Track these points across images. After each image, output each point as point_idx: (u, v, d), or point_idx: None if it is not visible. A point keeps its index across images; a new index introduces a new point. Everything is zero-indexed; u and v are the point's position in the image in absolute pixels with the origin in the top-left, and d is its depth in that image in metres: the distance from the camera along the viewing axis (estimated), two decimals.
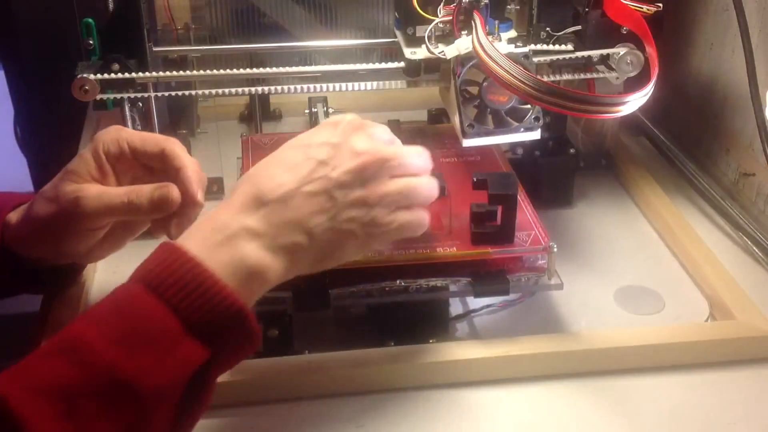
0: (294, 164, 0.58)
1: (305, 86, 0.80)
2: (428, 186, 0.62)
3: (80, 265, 0.74)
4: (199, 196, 0.64)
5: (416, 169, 0.61)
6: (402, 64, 0.76)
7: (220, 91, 0.77)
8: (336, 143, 0.59)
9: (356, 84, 0.78)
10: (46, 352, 0.50)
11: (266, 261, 0.55)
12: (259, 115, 1.02)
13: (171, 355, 0.50)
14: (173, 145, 0.66)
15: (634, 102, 0.64)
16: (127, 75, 0.75)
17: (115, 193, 0.64)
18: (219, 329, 0.52)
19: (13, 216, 0.68)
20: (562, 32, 0.78)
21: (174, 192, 0.64)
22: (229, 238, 0.54)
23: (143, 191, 0.64)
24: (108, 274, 0.78)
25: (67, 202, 0.64)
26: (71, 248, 0.67)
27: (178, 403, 0.51)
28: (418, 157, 0.61)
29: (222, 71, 0.77)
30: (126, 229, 0.69)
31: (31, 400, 0.47)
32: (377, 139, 0.61)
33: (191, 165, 0.65)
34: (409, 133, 0.85)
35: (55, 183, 0.66)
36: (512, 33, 0.76)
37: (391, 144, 0.62)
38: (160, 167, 0.66)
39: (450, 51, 0.72)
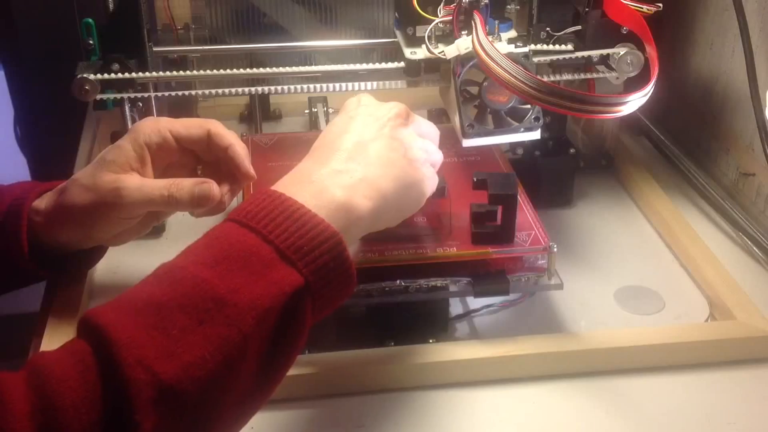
0: (347, 127, 0.62)
1: (305, 86, 0.80)
2: (437, 151, 0.67)
3: (104, 247, 0.74)
4: (250, 172, 0.67)
5: (428, 133, 0.67)
6: (402, 64, 0.76)
7: (220, 91, 0.77)
8: (364, 108, 0.64)
9: (356, 84, 0.78)
10: (140, 283, 0.51)
11: (358, 195, 0.57)
12: (259, 115, 1.02)
13: (264, 277, 0.50)
14: (217, 126, 0.68)
15: (634, 102, 0.64)
16: (127, 75, 0.75)
17: (155, 185, 0.65)
18: (313, 255, 0.52)
19: (40, 203, 0.68)
20: (562, 32, 0.78)
21: (214, 188, 0.65)
22: (320, 179, 0.56)
23: (184, 185, 0.65)
24: (108, 273, 0.78)
25: (107, 192, 0.65)
26: (103, 234, 0.68)
27: (272, 332, 0.50)
28: (428, 124, 0.67)
29: (222, 71, 0.77)
30: (156, 216, 0.70)
31: (119, 313, 0.47)
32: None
33: (237, 141, 0.68)
34: None
35: (91, 172, 0.66)
36: (512, 33, 0.76)
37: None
38: (203, 150, 0.68)
39: (450, 51, 0.72)
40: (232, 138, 0.68)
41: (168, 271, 0.51)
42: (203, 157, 0.69)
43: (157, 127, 0.67)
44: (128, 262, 0.78)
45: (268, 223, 0.52)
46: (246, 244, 0.51)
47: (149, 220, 0.70)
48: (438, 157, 0.66)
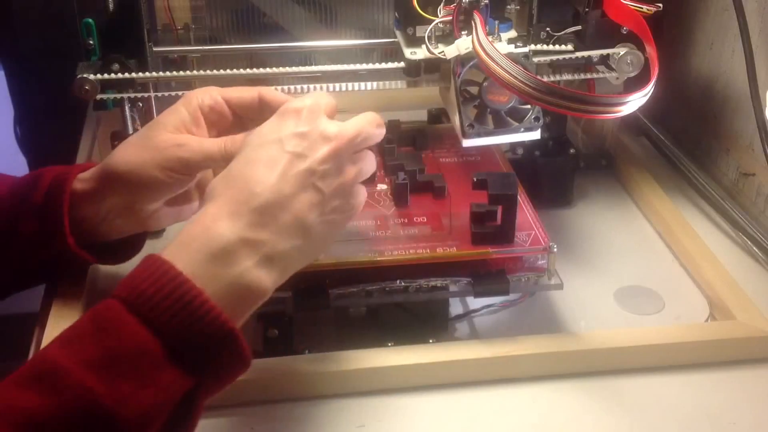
0: (271, 161, 0.55)
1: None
2: (369, 160, 0.62)
3: (140, 240, 0.74)
4: None
5: (378, 138, 0.62)
6: (402, 64, 0.76)
7: None
8: (305, 132, 0.57)
9: (356, 84, 0.78)
10: (17, 380, 0.47)
11: (263, 275, 0.53)
12: None
13: (153, 382, 0.47)
14: (270, 90, 0.67)
15: (634, 102, 0.64)
16: (127, 75, 0.75)
17: (213, 141, 0.65)
18: (206, 354, 0.49)
19: (86, 174, 0.68)
20: (562, 32, 0.78)
21: None
22: (227, 252, 0.51)
23: (237, 139, 0.64)
24: (109, 274, 0.78)
25: (166, 148, 0.64)
26: (146, 199, 0.67)
27: (161, 428, 0.48)
28: (376, 125, 0.61)
29: (222, 71, 0.77)
30: (195, 195, 0.71)
31: None
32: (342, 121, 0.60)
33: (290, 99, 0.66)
34: (409, 133, 0.85)
35: (144, 134, 0.66)
36: (512, 33, 0.76)
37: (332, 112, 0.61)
38: (256, 114, 0.66)
39: (450, 51, 0.72)
40: (285, 98, 0.66)
41: (51, 372, 0.46)
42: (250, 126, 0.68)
43: (208, 91, 0.67)
44: (129, 262, 0.78)
45: (161, 313, 0.48)
46: (136, 339, 0.48)
47: (186, 208, 0.71)
48: (371, 168, 0.62)
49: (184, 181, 0.67)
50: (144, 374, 0.47)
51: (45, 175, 0.69)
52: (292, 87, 0.80)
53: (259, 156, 0.56)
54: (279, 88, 0.81)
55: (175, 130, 0.66)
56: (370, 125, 0.61)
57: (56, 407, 0.45)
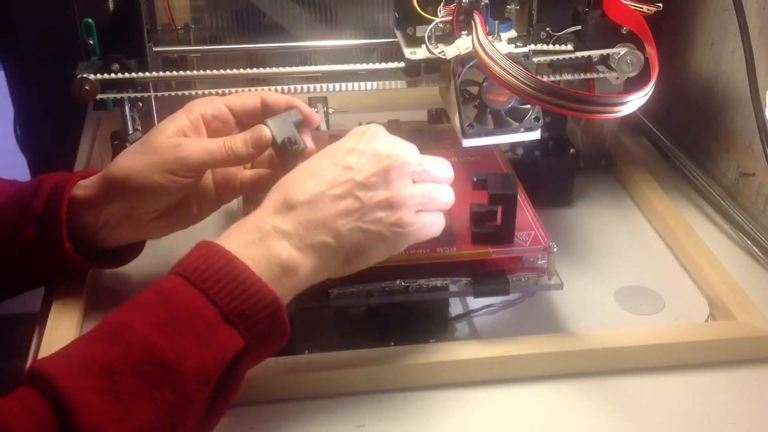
0: (321, 171, 0.61)
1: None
2: (447, 192, 0.65)
3: (139, 245, 0.75)
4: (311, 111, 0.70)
5: (437, 177, 0.65)
6: (402, 64, 0.76)
7: (220, 91, 0.77)
8: (360, 149, 0.62)
9: (356, 84, 0.78)
10: (89, 337, 0.53)
11: (296, 258, 0.58)
12: None
13: (209, 340, 0.53)
14: (269, 94, 0.70)
15: (634, 102, 0.64)
16: (127, 75, 0.75)
17: (213, 141, 0.67)
18: (254, 319, 0.55)
19: (86, 181, 0.69)
20: (562, 32, 0.78)
21: (265, 131, 0.67)
22: (262, 237, 0.58)
23: (237, 137, 0.67)
24: (108, 273, 0.78)
25: (165, 150, 0.66)
26: (146, 204, 0.68)
27: (213, 391, 0.53)
28: (440, 165, 0.65)
29: (222, 71, 0.77)
30: (193, 204, 0.71)
31: (75, 375, 0.50)
32: (399, 145, 0.63)
33: (293, 99, 0.70)
34: (409, 133, 0.84)
35: (144, 139, 0.67)
36: (512, 33, 0.76)
37: (414, 151, 0.64)
38: (260, 121, 0.68)
39: (450, 51, 0.72)
40: (287, 97, 0.70)
41: (119, 329, 0.53)
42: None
43: (210, 101, 0.69)
44: (129, 265, 0.78)
45: (213, 284, 0.54)
46: (193, 305, 0.54)
47: (189, 209, 0.71)
48: (446, 200, 0.65)
49: (184, 184, 0.67)
50: (201, 334, 0.53)
51: (45, 182, 0.69)
52: (292, 87, 0.80)
53: (311, 166, 0.62)
54: (279, 88, 0.81)
55: (174, 134, 0.67)
56: (432, 162, 0.64)
57: (127, 357, 0.51)
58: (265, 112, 0.69)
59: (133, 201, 0.67)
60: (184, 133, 0.67)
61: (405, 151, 0.63)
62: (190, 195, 0.70)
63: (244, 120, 0.69)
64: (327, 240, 0.59)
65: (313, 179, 0.60)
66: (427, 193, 0.63)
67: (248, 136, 0.67)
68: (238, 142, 0.67)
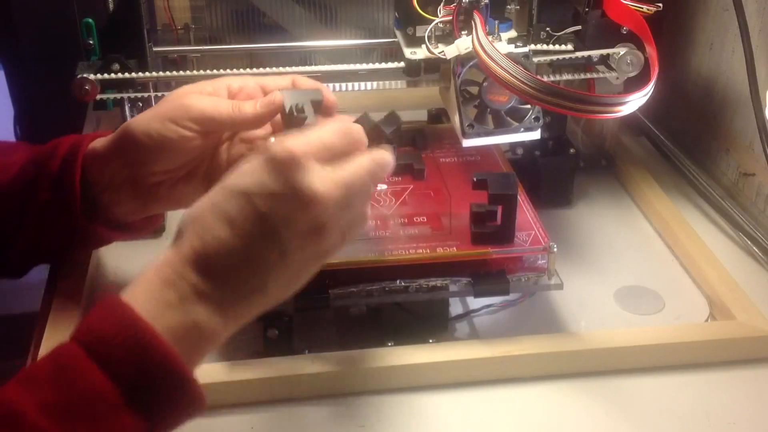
0: (234, 215, 0.52)
1: None
2: (380, 175, 0.57)
3: (156, 219, 0.74)
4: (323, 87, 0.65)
5: (379, 181, 0.58)
6: (402, 64, 0.76)
7: None
8: (278, 193, 0.52)
9: (356, 84, 0.78)
10: None
11: (218, 325, 0.52)
12: None
13: (109, 428, 0.48)
14: (302, 79, 0.66)
15: (634, 102, 0.64)
16: (127, 75, 0.75)
17: (225, 102, 0.64)
18: (161, 399, 0.49)
19: (99, 141, 0.68)
20: (562, 32, 0.78)
21: (277, 95, 0.63)
22: (180, 298, 0.51)
23: (245, 107, 0.64)
24: (109, 273, 0.78)
25: (175, 99, 0.64)
26: (162, 163, 0.65)
27: None
28: (379, 169, 0.57)
29: (222, 71, 0.77)
30: (198, 179, 0.68)
31: None
32: (325, 182, 0.53)
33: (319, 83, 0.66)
34: (409, 133, 0.85)
35: (163, 99, 0.66)
36: (512, 33, 0.76)
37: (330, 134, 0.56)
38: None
39: (450, 51, 0.72)
40: (318, 87, 0.65)
41: (6, 415, 0.46)
42: None
43: (240, 77, 0.67)
44: (128, 262, 0.78)
45: (117, 360, 0.48)
46: (93, 385, 0.48)
47: (195, 183, 0.68)
48: (361, 219, 0.57)
49: (185, 138, 0.64)
50: (100, 420, 0.47)
51: (63, 142, 0.68)
52: None
53: (225, 206, 0.52)
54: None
55: (190, 91, 0.65)
56: (370, 171, 0.56)
57: None
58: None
59: (135, 155, 0.65)
60: (202, 92, 0.66)
61: (334, 183, 0.53)
62: (195, 168, 0.68)
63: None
64: (254, 298, 0.53)
65: (225, 228, 0.52)
66: (363, 210, 0.57)
67: (258, 102, 0.64)
68: (246, 112, 0.64)
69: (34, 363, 0.50)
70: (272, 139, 0.55)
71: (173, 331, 0.50)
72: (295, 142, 0.53)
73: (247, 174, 0.53)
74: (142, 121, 0.65)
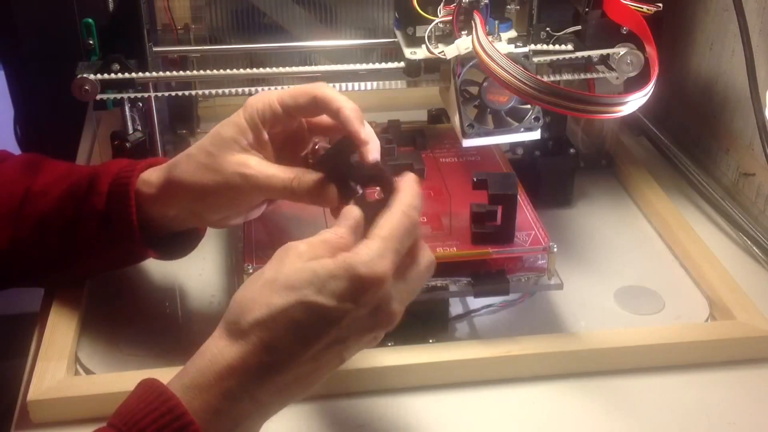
0: (308, 333, 0.51)
1: None
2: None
3: (201, 233, 0.73)
4: (363, 134, 0.61)
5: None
6: (402, 64, 0.76)
7: (220, 91, 0.77)
8: (362, 316, 0.52)
9: (356, 84, 0.78)
10: None
11: (258, 419, 0.53)
12: None
13: None
14: (323, 89, 0.63)
15: (634, 102, 0.64)
16: (127, 75, 0.75)
17: (280, 176, 0.63)
18: None
19: (150, 175, 0.67)
20: (562, 32, 0.78)
21: (332, 192, 0.61)
22: (233, 405, 0.51)
23: (305, 181, 0.62)
24: (108, 273, 0.78)
25: (230, 174, 0.63)
26: (214, 214, 0.66)
27: None
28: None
29: (222, 71, 0.77)
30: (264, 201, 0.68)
31: None
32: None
33: (347, 104, 0.62)
34: (409, 133, 0.85)
35: (209, 149, 0.64)
36: (512, 33, 0.76)
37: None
38: (313, 116, 0.65)
39: (450, 51, 0.72)
40: (342, 101, 0.62)
41: None
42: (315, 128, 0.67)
43: (267, 100, 0.64)
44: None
45: None
46: None
47: (261, 205, 0.69)
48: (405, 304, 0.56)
49: (248, 204, 0.66)
50: None
51: (102, 176, 0.68)
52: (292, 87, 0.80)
53: (297, 316, 0.51)
54: (279, 88, 0.81)
55: (239, 150, 0.63)
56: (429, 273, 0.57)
57: None
58: (317, 107, 0.64)
59: (199, 206, 0.66)
60: (249, 144, 0.63)
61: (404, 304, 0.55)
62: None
63: (298, 114, 0.65)
64: (291, 400, 0.54)
65: (298, 343, 0.51)
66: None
67: (314, 192, 0.62)
68: (303, 189, 0.62)
69: None
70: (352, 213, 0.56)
71: (215, 426, 0.50)
72: (379, 263, 0.52)
73: (323, 283, 0.51)
74: (201, 183, 0.64)
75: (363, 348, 0.55)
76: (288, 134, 0.67)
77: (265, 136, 0.64)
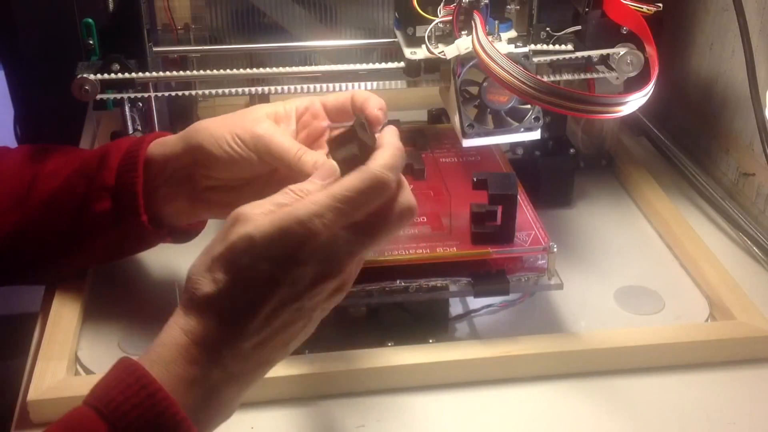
0: (250, 296, 0.52)
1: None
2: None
3: (197, 229, 0.74)
4: (377, 112, 0.62)
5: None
6: (402, 64, 0.76)
7: (220, 91, 0.77)
8: (313, 275, 0.52)
9: (356, 84, 0.78)
10: None
11: (236, 396, 0.53)
12: None
13: None
14: (360, 93, 0.65)
15: (634, 102, 0.64)
16: (127, 75, 0.75)
17: (291, 140, 0.64)
18: None
19: (168, 137, 0.68)
20: (562, 32, 0.78)
21: (335, 168, 0.58)
22: (205, 377, 0.51)
23: (312, 153, 0.63)
24: (108, 273, 0.78)
25: (247, 120, 0.65)
26: (208, 165, 0.66)
27: None
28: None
29: (222, 71, 0.77)
30: (254, 190, 0.67)
31: None
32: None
33: (374, 97, 0.64)
34: (409, 133, 0.85)
35: (236, 112, 0.67)
36: (512, 33, 0.76)
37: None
38: (349, 118, 0.65)
39: (450, 51, 0.72)
40: (370, 95, 0.64)
41: None
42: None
43: (309, 98, 0.67)
44: (128, 262, 0.78)
45: (131, 423, 0.48)
46: None
47: (247, 193, 0.67)
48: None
49: (250, 162, 0.64)
50: None
51: (113, 152, 0.69)
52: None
53: (237, 285, 0.52)
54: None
55: (265, 115, 0.66)
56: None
57: None
58: (353, 109, 0.65)
59: (199, 155, 0.66)
60: (276, 117, 0.66)
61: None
62: (251, 181, 0.68)
63: (335, 116, 0.67)
64: (275, 361, 0.55)
65: (245, 306, 0.52)
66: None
67: (320, 161, 0.62)
68: (308, 158, 0.62)
69: (47, 428, 0.50)
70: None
71: (194, 403, 0.50)
72: (315, 221, 0.51)
73: (258, 249, 0.52)
74: (213, 127, 0.65)
75: (327, 305, 0.55)
76: (313, 137, 0.68)
77: (293, 122, 0.66)
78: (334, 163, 0.55)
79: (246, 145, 0.64)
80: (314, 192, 0.53)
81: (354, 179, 0.53)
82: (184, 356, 0.51)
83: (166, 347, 0.51)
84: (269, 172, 0.67)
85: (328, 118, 0.67)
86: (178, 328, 0.52)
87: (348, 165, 0.55)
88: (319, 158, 0.62)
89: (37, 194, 0.70)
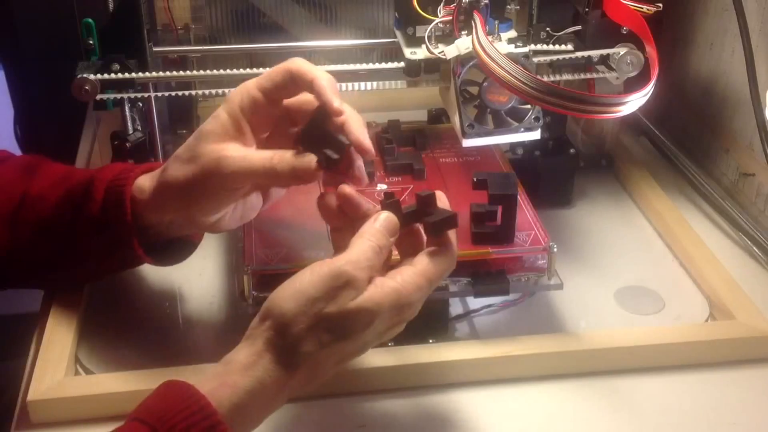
0: (348, 354, 0.58)
1: None
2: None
3: (196, 240, 0.73)
4: (336, 103, 0.61)
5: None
6: (402, 64, 0.76)
7: (220, 91, 0.77)
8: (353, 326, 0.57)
9: (356, 84, 0.78)
10: None
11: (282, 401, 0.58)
12: None
13: None
14: (297, 63, 0.63)
15: (634, 102, 0.64)
16: (127, 75, 0.75)
17: (257, 155, 0.63)
18: None
19: (144, 181, 0.67)
20: (562, 32, 0.78)
21: (314, 162, 0.60)
22: (262, 394, 0.55)
23: (286, 158, 0.61)
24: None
25: (207, 162, 0.62)
26: (204, 212, 0.65)
27: None
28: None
29: (222, 71, 0.77)
30: (258, 199, 0.67)
31: None
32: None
33: (321, 74, 0.62)
34: (409, 133, 0.85)
35: (190, 145, 0.64)
36: (512, 33, 0.76)
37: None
38: (293, 95, 0.64)
39: (450, 51, 0.72)
40: (315, 72, 0.62)
41: None
42: (296, 114, 0.66)
43: (245, 89, 0.64)
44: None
45: None
46: None
47: (254, 205, 0.67)
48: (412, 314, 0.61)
49: (237, 192, 0.64)
50: None
51: (97, 182, 0.67)
52: None
53: (350, 348, 0.58)
54: None
55: (219, 138, 0.63)
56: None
57: None
58: (295, 84, 0.63)
59: (191, 208, 0.65)
60: (229, 135, 0.63)
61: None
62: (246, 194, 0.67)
63: (277, 95, 0.64)
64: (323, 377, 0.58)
65: (336, 363, 0.58)
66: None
67: (296, 163, 0.61)
68: (284, 164, 0.61)
69: None
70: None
71: (245, 424, 0.55)
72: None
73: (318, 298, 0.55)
74: (185, 181, 0.64)
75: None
76: (274, 123, 0.66)
77: (246, 126, 0.63)
78: (395, 218, 0.60)
79: (225, 187, 0.63)
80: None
81: (441, 267, 0.60)
82: (262, 401, 0.55)
83: (247, 391, 0.55)
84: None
85: (269, 101, 0.64)
86: (267, 375, 0.55)
87: (329, 164, 0.60)
88: (287, 154, 0.62)
89: (26, 217, 0.69)
